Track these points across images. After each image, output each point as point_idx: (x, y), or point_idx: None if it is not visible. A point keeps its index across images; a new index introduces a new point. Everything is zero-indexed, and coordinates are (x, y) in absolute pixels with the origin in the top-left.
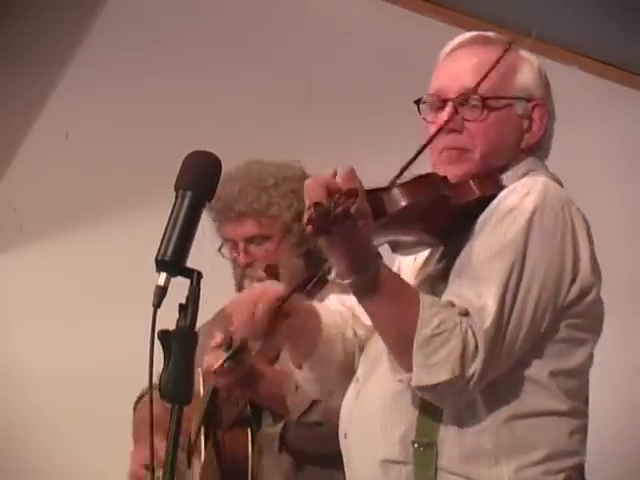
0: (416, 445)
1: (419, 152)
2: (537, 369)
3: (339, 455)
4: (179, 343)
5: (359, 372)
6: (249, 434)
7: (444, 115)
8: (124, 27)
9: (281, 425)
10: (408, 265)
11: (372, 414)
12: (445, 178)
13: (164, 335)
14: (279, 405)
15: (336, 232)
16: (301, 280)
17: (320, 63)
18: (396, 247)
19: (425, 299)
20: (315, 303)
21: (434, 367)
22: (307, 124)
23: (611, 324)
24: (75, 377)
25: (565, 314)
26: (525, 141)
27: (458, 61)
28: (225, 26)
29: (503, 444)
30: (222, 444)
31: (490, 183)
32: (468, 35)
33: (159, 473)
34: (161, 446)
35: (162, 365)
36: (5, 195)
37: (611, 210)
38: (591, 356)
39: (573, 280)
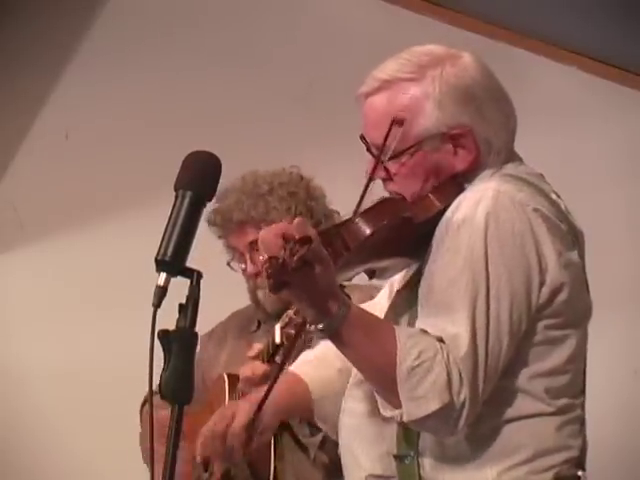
0: (398, 459)
1: (362, 197)
2: (516, 376)
3: None
4: (179, 343)
5: (349, 386)
6: (272, 442)
7: (369, 169)
8: (124, 27)
9: (321, 436)
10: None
11: (355, 429)
12: (404, 199)
13: (164, 335)
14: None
15: (295, 281)
16: (272, 380)
17: (320, 62)
18: (372, 274)
19: (401, 332)
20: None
21: (422, 398)
22: (307, 123)
23: (611, 325)
24: (75, 377)
25: (539, 316)
26: (458, 166)
27: (366, 110)
28: (225, 25)
29: (487, 450)
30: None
31: (451, 192)
32: (372, 80)
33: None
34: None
35: (162, 365)
36: (5, 195)
37: (611, 210)
38: (579, 346)
39: (542, 282)
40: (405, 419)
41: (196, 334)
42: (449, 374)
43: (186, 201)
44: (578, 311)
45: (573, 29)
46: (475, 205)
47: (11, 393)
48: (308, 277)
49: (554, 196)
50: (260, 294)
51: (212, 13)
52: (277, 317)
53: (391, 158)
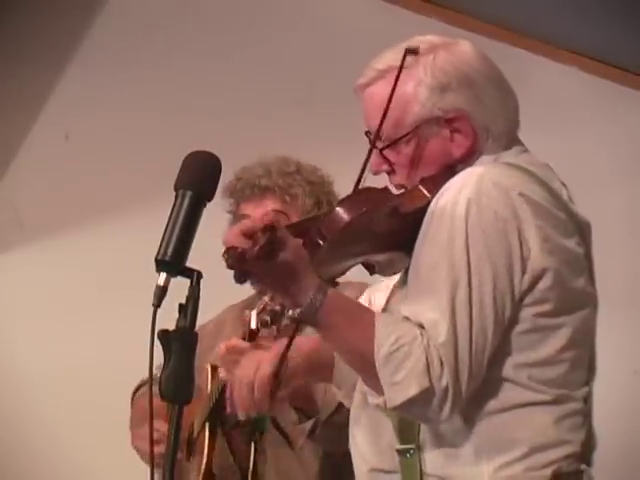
0: (400, 453)
1: (356, 186)
2: (504, 364)
3: None
4: (179, 343)
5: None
6: (253, 433)
7: (372, 163)
8: (124, 27)
9: (310, 423)
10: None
11: (357, 421)
12: (388, 189)
13: (164, 335)
14: (309, 404)
15: (259, 270)
16: (286, 345)
17: (319, 62)
18: (372, 269)
19: (380, 319)
20: None
21: (401, 383)
22: (307, 123)
23: (611, 325)
24: (75, 377)
25: (523, 303)
26: (455, 152)
27: (366, 102)
28: (225, 26)
29: (482, 443)
30: (229, 441)
31: (442, 181)
32: (369, 71)
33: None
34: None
35: (162, 365)
36: (5, 195)
37: (612, 211)
38: (577, 336)
39: (524, 268)
40: (388, 405)
41: (196, 334)
42: (428, 359)
43: (186, 201)
44: (572, 298)
45: (573, 29)
46: (458, 191)
47: (10, 393)
48: (272, 265)
49: (557, 185)
50: None
51: (212, 13)
52: None
53: (388, 146)
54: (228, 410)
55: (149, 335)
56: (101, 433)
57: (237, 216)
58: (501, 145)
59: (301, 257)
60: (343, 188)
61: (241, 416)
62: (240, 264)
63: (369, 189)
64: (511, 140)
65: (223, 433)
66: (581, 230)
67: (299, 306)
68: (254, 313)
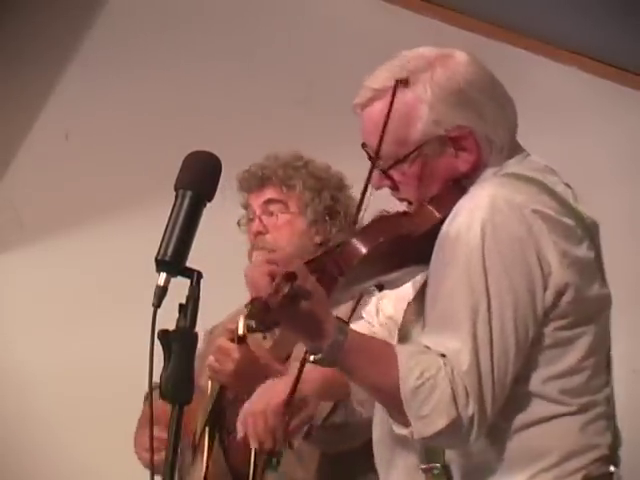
0: (427, 471)
1: (358, 208)
2: (531, 380)
3: (358, 451)
4: (179, 343)
5: None
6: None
7: (375, 180)
8: (124, 27)
9: (305, 427)
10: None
11: (386, 442)
12: (400, 213)
13: (164, 335)
14: None
15: (282, 320)
16: (298, 372)
17: (319, 62)
18: (381, 287)
19: (402, 352)
20: None
21: (429, 417)
22: (307, 123)
23: (612, 325)
24: (75, 376)
25: (546, 320)
26: (461, 167)
27: (365, 121)
28: (225, 26)
29: (512, 456)
30: (227, 446)
31: (451, 199)
32: (365, 91)
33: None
34: (162, 436)
35: (162, 365)
36: (5, 195)
37: (612, 211)
38: (596, 341)
39: (545, 286)
40: (416, 437)
41: (196, 334)
42: (454, 389)
43: (186, 201)
44: (589, 307)
45: (573, 29)
46: (470, 214)
47: (10, 393)
48: (294, 313)
49: (561, 188)
50: (254, 254)
51: (212, 14)
52: None
53: (392, 166)
54: (240, 438)
55: (149, 335)
56: (101, 433)
57: (243, 207)
58: (504, 155)
59: (322, 302)
60: (351, 188)
61: (255, 448)
62: (264, 315)
63: (381, 218)
64: (513, 148)
65: (221, 437)
66: (590, 232)
67: (320, 351)
68: (241, 318)
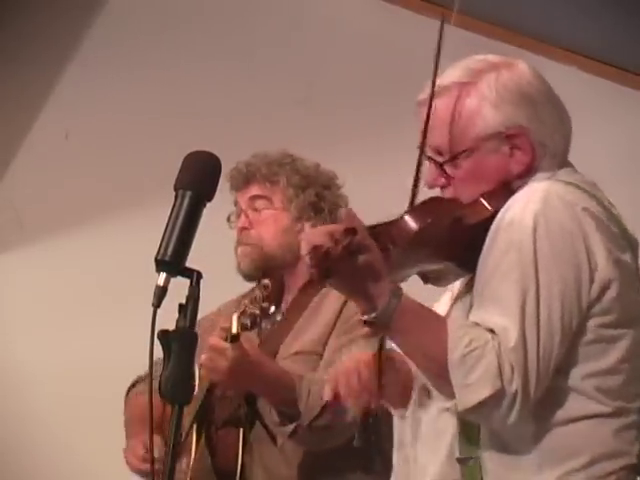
0: (461, 462)
1: (413, 197)
2: (571, 374)
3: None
4: (179, 343)
5: (413, 396)
6: (241, 434)
7: (428, 177)
8: (124, 27)
9: (292, 427)
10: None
11: (418, 436)
12: (454, 200)
13: (164, 335)
14: (289, 406)
15: (340, 271)
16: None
17: (319, 62)
18: (426, 279)
19: (452, 322)
20: None
21: (474, 385)
22: (307, 123)
23: None
24: (75, 376)
25: (590, 314)
26: (514, 168)
27: (422, 117)
28: (225, 27)
29: (545, 452)
30: (214, 442)
31: (502, 196)
32: (428, 88)
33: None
34: (155, 440)
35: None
36: (5, 195)
37: None
38: (633, 348)
39: (592, 279)
40: (460, 408)
41: (196, 334)
42: (500, 363)
43: (186, 201)
44: (629, 310)
45: (573, 29)
46: (524, 206)
47: (10, 393)
48: (353, 266)
49: (607, 203)
50: (239, 250)
51: (212, 14)
52: (249, 279)
53: (450, 160)
54: (331, 406)
55: (149, 335)
56: (101, 433)
57: (234, 202)
58: (556, 163)
59: (379, 261)
60: (343, 187)
61: (351, 411)
62: (323, 262)
63: (437, 199)
64: (564, 160)
65: (208, 434)
66: (632, 246)
67: (374, 310)
68: (235, 317)
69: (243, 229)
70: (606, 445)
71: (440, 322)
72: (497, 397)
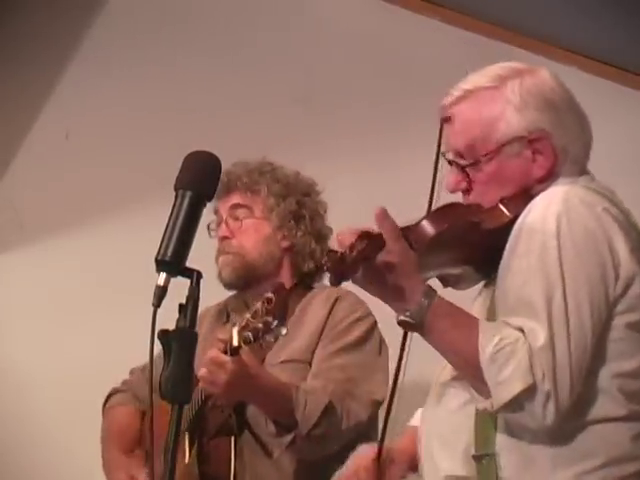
0: (477, 458)
1: (431, 201)
2: (600, 374)
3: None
4: (179, 343)
5: (430, 394)
6: (232, 443)
7: (450, 180)
8: (124, 27)
9: (290, 437)
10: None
11: (435, 432)
12: (473, 205)
13: (164, 335)
14: (287, 418)
15: (358, 275)
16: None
17: (319, 62)
18: (446, 282)
19: (483, 322)
20: None
21: (506, 382)
22: (306, 123)
23: None
24: (75, 376)
25: (617, 311)
26: (536, 172)
27: (450, 122)
28: (225, 27)
29: (561, 452)
30: (206, 451)
31: (521, 202)
32: (455, 91)
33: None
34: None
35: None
36: (5, 195)
37: None
38: None
39: (617, 276)
40: (495, 406)
41: (196, 334)
42: (531, 361)
43: (186, 201)
44: None
45: (573, 29)
46: (546, 208)
47: (10, 393)
48: (371, 270)
49: (624, 208)
50: (220, 259)
51: (212, 13)
52: (230, 287)
53: (472, 164)
54: None
55: (149, 335)
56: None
57: (215, 211)
58: (577, 170)
59: (409, 260)
60: (341, 186)
61: None
62: (337, 266)
63: (456, 204)
64: (584, 168)
65: (200, 443)
66: None
67: (407, 310)
68: (235, 330)
69: (224, 238)
70: (622, 449)
71: (473, 323)
72: (530, 391)
